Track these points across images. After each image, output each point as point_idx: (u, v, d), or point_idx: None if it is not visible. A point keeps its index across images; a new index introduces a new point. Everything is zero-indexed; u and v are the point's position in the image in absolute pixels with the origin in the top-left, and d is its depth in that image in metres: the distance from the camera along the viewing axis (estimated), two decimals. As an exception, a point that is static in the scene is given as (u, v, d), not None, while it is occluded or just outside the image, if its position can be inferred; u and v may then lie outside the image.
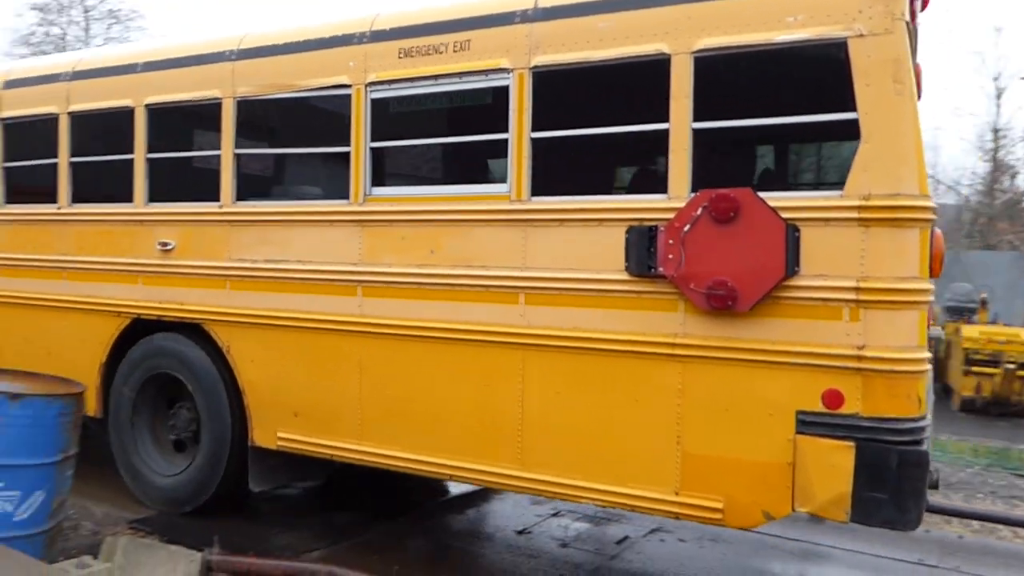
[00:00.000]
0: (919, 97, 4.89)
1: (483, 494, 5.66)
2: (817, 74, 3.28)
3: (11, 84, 5.74)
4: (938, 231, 3.30)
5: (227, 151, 4.73)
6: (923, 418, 3.20)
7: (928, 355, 3.24)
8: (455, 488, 5.74)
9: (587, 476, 3.73)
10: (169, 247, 4.96)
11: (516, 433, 3.89)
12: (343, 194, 4.36)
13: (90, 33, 31.85)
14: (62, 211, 5.44)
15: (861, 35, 3.18)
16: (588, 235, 3.70)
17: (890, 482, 3.15)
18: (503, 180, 3.93)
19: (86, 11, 31.48)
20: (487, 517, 5.44)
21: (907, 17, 3.19)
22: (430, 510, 5.47)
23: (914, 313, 3.17)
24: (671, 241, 3.45)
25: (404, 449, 4.20)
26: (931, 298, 3.26)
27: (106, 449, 5.29)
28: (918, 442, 3.15)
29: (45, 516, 3.82)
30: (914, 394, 3.16)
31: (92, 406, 5.18)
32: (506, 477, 3.93)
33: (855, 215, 3.19)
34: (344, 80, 4.32)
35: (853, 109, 3.20)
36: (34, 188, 5.66)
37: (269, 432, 4.62)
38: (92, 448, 4.83)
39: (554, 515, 5.31)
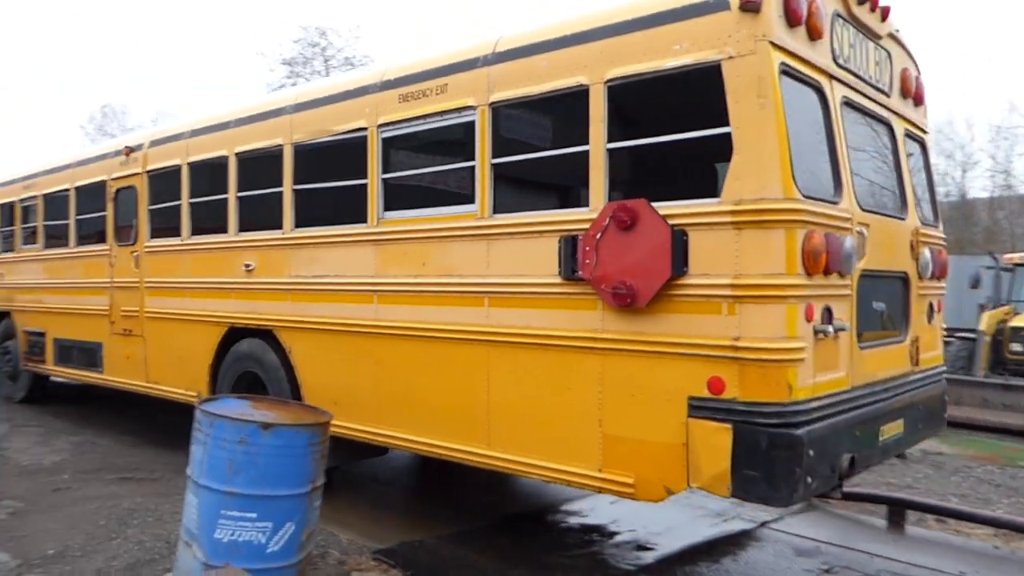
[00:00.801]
0: (920, 102, 4.98)
1: (736, 540, 5.31)
2: (701, 94, 3.64)
3: (154, 143, 7.25)
4: (814, 230, 3.53)
5: (287, 186, 5.78)
6: (796, 403, 3.44)
7: (800, 345, 3.47)
8: (696, 532, 5.42)
9: (535, 454, 4.26)
10: (251, 268, 6.08)
11: (484, 416, 4.50)
12: (364, 218, 5.23)
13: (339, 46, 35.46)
14: (184, 242, 6.80)
15: (731, 57, 3.54)
16: (532, 245, 4.27)
17: (762, 462, 3.43)
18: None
19: (326, 61, 35.18)
20: (746, 569, 4.88)
21: (773, 37, 3.50)
22: (680, 555, 5.08)
23: (782, 307, 3.44)
24: (588, 247, 3.94)
25: (407, 431, 4.94)
26: (805, 293, 3.49)
27: (351, 474, 6.46)
28: (789, 425, 3.41)
29: (296, 547, 3.83)
30: (784, 381, 3.43)
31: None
32: (477, 455, 4.55)
33: (729, 219, 3.53)
34: (363, 124, 5.20)
35: (728, 124, 3.55)
36: (168, 226, 7.07)
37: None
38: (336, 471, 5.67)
39: (826, 572, 4.76)
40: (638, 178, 4.08)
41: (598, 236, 3.90)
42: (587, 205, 4.04)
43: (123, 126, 48.45)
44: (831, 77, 4.00)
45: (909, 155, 5.04)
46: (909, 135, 5.02)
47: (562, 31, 4.20)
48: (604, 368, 3.96)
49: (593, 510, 5.93)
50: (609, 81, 3.96)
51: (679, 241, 3.65)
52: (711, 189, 3.83)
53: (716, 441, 3.54)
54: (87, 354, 8.18)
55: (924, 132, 5.29)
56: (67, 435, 7.89)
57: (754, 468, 3.45)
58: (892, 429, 4.32)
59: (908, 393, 4.54)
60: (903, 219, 4.66)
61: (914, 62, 5.10)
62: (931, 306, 5.03)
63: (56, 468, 6.55)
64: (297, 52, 35.09)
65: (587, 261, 3.94)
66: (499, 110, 4.47)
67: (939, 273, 5.04)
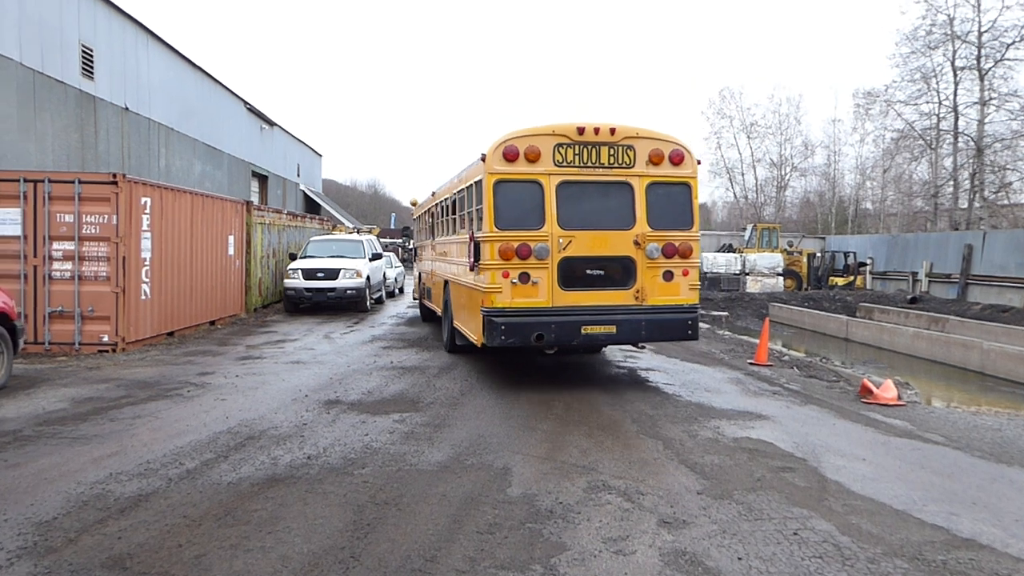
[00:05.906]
0: (678, 163, 9.77)
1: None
2: (482, 191, 9.46)
3: (432, 195, 14.88)
4: (507, 243, 9.10)
5: (447, 217, 12.75)
6: (497, 309, 9.17)
7: (498, 286, 9.16)
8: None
9: (471, 332, 10.53)
10: (444, 254, 13.22)
11: (467, 318, 10.91)
12: (455, 232, 11.92)
13: (981, 8, 33.90)
14: (433, 242, 14.28)
15: (482, 178, 9.38)
16: (465, 246, 10.50)
17: (486, 330, 9.31)
18: (477, 228, 10.95)
19: None
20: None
21: (492, 170, 9.19)
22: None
23: (489, 272, 9.21)
24: (469, 247, 10.08)
25: (459, 324, 11.54)
26: (501, 267, 9.14)
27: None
28: (493, 317, 9.18)
29: None
30: (491, 300, 9.22)
31: (441, 307, 13.92)
32: (468, 332, 10.97)
33: (487, 239, 9.40)
34: (451, 196, 11.88)
35: (483, 203, 9.40)
36: (432, 234, 14.63)
37: (455, 322, 12.47)
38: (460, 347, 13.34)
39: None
40: (480, 219, 9.91)
41: (470, 243, 10.02)
42: (479, 230, 10.15)
43: (740, 106, 60.57)
44: (550, 174, 9.35)
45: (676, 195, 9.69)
46: (660, 184, 9.62)
47: (476, 159, 10.34)
48: (477, 296, 10.07)
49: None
50: (475, 182, 10.02)
51: (478, 247, 9.61)
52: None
53: (480, 322, 9.49)
54: (429, 293, 16.41)
55: (689, 178, 9.70)
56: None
57: (485, 332, 9.34)
58: (600, 329, 9.41)
59: (622, 315, 9.46)
60: (628, 229, 9.49)
61: (670, 142, 9.66)
62: (669, 273, 9.59)
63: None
64: None
65: (470, 252, 10.09)
66: (470, 187, 10.76)
67: (674, 255, 9.55)
